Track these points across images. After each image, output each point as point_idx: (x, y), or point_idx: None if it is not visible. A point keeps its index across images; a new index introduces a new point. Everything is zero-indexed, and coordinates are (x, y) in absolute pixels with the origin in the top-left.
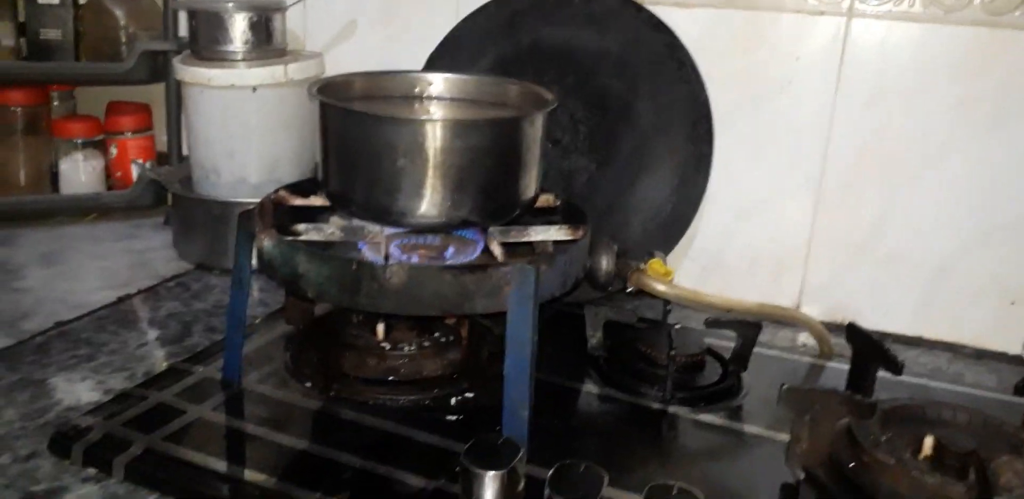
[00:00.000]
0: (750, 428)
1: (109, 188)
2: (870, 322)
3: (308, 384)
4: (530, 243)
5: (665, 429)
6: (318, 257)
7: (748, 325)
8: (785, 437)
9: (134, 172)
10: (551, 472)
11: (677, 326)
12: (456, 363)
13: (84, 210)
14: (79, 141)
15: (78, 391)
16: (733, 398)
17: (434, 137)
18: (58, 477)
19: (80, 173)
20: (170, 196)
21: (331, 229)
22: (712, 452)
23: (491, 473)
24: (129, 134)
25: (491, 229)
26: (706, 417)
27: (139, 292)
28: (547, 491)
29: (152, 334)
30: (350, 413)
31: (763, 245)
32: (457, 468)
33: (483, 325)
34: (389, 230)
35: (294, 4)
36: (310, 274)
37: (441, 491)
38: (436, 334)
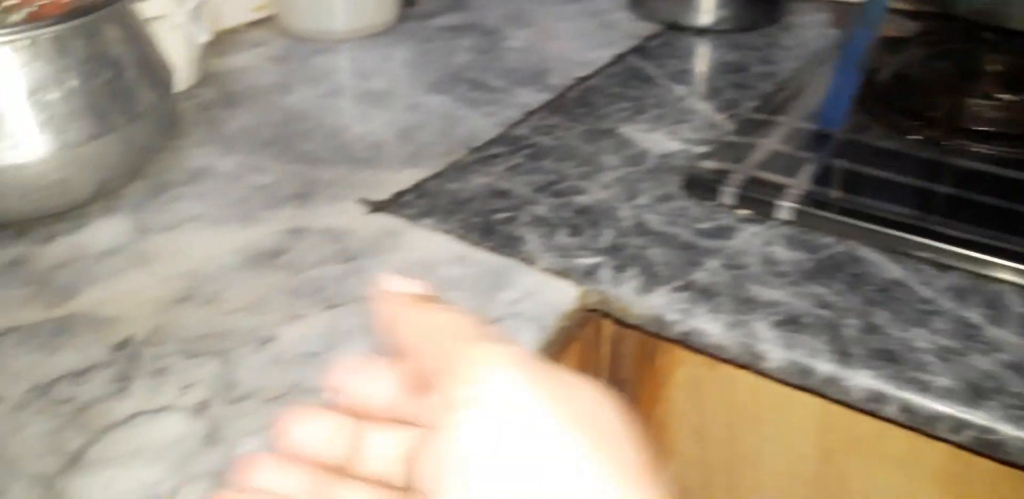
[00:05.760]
0: None
1: None
2: None
3: (914, 136)
4: None
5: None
6: None
7: None
8: None
9: None
10: None
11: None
12: None
13: None
14: None
15: (656, 140)
16: None
17: None
18: (712, 218)
19: None
20: None
21: None
22: None
23: None
24: None
25: None
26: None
27: (630, 51)
28: None
29: (680, 89)
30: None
31: None
32: None
33: None
34: None
35: None
36: None
37: None
38: None
